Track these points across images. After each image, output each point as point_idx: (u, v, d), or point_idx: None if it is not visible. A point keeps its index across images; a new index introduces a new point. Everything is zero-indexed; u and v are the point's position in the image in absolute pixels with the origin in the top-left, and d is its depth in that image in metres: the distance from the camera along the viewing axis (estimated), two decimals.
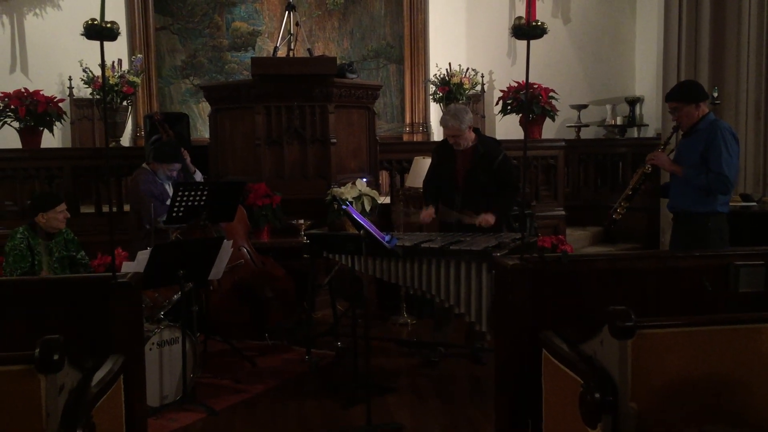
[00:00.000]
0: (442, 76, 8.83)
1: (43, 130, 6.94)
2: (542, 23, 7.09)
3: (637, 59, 9.14)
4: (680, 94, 4.39)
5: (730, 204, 4.52)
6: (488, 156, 4.81)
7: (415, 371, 4.76)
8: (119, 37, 7.22)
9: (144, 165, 5.32)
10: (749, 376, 2.44)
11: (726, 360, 2.44)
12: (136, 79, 8.14)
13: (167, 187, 5.30)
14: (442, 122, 4.85)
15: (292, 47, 6.58)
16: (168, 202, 5.14)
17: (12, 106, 6.71)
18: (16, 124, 6.83)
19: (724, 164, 4.17)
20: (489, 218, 4.74)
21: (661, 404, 2.39)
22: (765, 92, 6.64)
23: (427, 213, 4.97)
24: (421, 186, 5.67)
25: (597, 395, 2.30)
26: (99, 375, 2.47)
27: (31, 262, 4.58)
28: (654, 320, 2.44)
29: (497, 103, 7.69)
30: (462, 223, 4.84)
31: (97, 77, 8.01)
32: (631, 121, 8.89)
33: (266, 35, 9.60)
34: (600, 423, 2.31)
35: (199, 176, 5.55)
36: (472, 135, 4.85)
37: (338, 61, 6.74)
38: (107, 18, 6.17)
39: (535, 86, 7.26)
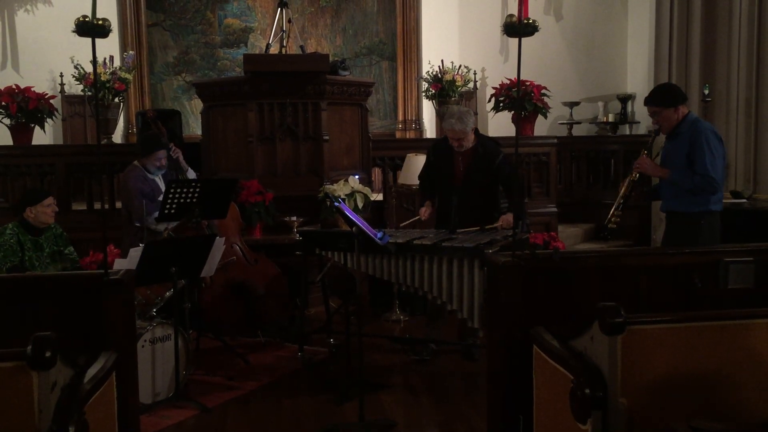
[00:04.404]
0: (434, 73, 8.82)
1: (34, 126, 6.92)
2: (534, 21, 7.10)
3: (629, 56, 9.16)
4: (659, 99, 4.41)
5: None
6: (488, 157, 4.84)
7: (408, 368, 4.77)
8: (111, 34, 7.19)
9: (135, 162, 5.32)
10: (738, 372, 2.46)
11: (715, 356, 2.46)
12: (127, 75, 8.11)
13: (159, 182, 5.30)
14: (447, 126, 4.81)
15: (284, 44, 6.57)
16: (160, 199, 5.14)
17: (3, 103, 6.69)
18: (7, 121, 6.81)
19: (708, 165, 4.21)
20: (509, 218, 4.77)
21: (650, 400, 2.41)
22: (755, 90, 6.68)
23: (424, 210, 5.00)
24: (413, 183, 5.70)
25: (587, 391, 2.32)
26: (91, 372, 2.47)
27: (21, 258, 4.58)
28: (644, 316, 2.46)
29: (489, 100, 7.70)
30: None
31: (89, 74, 7.98)
32: (623, 118, 8.91)
33: (258, 32, 9.58)
34: (590, 419, 2.32)
35: (191, 174, 5.55)
36: (472, 136, 4.87)
37: (331, 58, 6.74)
38: (99, 14, 6.15)
39: (528, 83, 7.28)
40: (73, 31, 6.69)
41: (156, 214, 4.89)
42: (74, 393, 2.26)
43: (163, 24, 9.48)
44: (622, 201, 4.51)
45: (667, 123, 4.38)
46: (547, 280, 2.98)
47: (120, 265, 3.86)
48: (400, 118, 9.81)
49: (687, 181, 4.26)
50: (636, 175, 4.50)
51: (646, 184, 5.37)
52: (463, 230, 4.64)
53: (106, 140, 7.85)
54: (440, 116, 8.56)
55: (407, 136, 9.58)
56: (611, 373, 2.34)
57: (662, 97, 4.42)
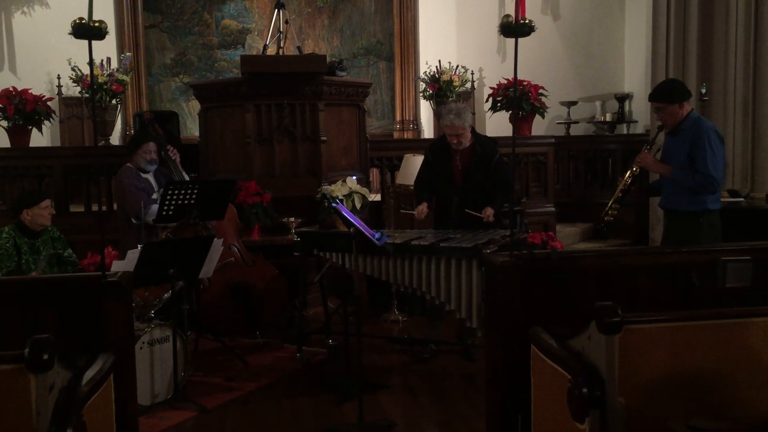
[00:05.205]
0: (432, 73, 8.83)
1: (31, 128, 6.91)
2: (530, 21, 7.08)
3: (626, 56, 9.17)
4: (664, 95, 4.41)
5: None
6: (486, 155, 4.83)
7: (407, 368, 4.77)
8: (108, 36, 7.18)
9: (127, 164, 5.32)
10: (735, 371, 2.46)
11: (712, 355, 2.46)
12: (125, 77, 8.11)
13: (152, 181, 5.29)
14: (446, 122, 4.80)
15: (281, 45, 6.57)
16: (154, 196, 5.14)
17: (0, 105, 6.68)
18: (4, 123, 6.81)
19: (709, 164, 4.20)
20: (490, 211, 4.74)
21: (648, 399, 2.41)
22: (752, 88, 6.68)
23: (422, 209, 4.98)
24: (411, 183, 5.69)
25: (585, 390, 2.32)
26: (89, 374, 2.47)
27: (18, 261, 4.56)
28: (641, 316, 2.46)
29: (487, 101, 7.71)
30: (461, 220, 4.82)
31: (86, 76, 7.97)
32: (621, 117, 8.92)
33: (256, 33, 9.59)
34: (588, 418, 2.32)
35: (185, 178, 5.54)
36: (470, 134, 4.86)
37: (328, 59, 6.75)
38: (96, 16, 6.13)
39: (525, 83, 7.28)
40: (70, 33, 6.67)
41: (153, 207, 4.88)
42: (72, 395, 2.26)
43: (161, 25, 9.48)
44: (620, 195, 4.52)
45: (671, 119, 4.37)
46: (545, 280, 2.98)
47: (118, 266, 3.86)
48: (398, 118, 9.82)
49: (688, 179, 4.26)
50: (637, 169, 4.51)
51: (644, 180, 5.38)
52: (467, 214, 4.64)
53: (103, 142, 7.85)
54: (438, 116, 8.56)
55: (405, 137, 9.59)
56: (609, 372, 2.34)
57: (667, 93, 4.41)
